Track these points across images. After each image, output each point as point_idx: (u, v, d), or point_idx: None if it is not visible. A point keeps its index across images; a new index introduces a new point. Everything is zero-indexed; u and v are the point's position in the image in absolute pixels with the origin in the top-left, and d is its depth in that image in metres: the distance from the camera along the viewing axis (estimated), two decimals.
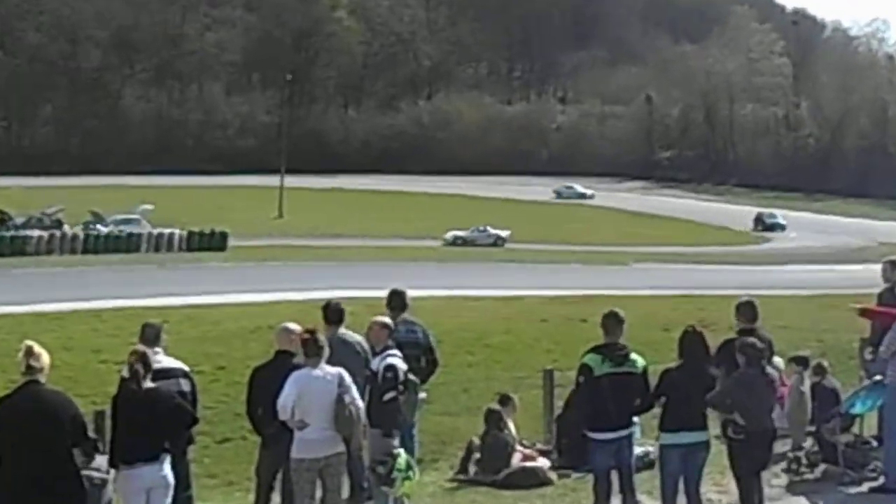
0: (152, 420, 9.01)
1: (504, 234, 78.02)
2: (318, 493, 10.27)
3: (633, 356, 10.55)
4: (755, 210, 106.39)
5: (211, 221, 71.46)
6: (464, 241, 75.65)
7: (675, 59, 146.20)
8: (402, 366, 10.79)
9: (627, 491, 10.67)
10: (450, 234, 77.31)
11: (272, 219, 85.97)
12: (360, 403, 10.18)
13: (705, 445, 10.53)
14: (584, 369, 10.47)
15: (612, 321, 10.67)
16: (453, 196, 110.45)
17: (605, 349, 10.52)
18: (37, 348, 8.52)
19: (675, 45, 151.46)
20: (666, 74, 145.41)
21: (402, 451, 10.56)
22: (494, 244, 75.94)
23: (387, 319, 11.32)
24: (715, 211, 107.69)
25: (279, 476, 10.72)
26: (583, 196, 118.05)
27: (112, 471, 9.31)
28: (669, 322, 27.72)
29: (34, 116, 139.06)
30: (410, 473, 10.50)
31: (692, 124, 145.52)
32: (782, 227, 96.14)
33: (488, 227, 79.17)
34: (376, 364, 10.76)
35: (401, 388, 10.69)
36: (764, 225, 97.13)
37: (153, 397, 9.14)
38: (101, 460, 10.08)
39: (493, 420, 13.80)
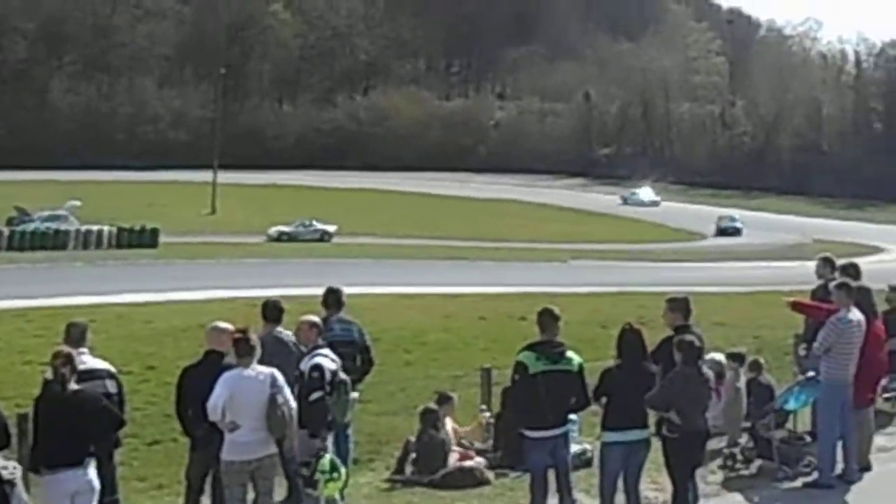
0: (77, 423, 8.87)
1: (331, 229, 76.47)
2: (250, 496, 10.13)
3: (569, 354, 10.52)
4: (694, 207, 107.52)
5: (141, 218, 70.68)
6: (289, 237, 73.72)
7: (613, 57, 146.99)
8: (329, 365, 10.63)
9: (564, 489, 10.64)
10: (273, 230, 74.97)
11: (205, 215, 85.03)
12: (293, 404, 10.07)
13: (646, 443, 10.57)
14: (519, 367, 10.47)
15: (547, 318, 10.66)
16: (389, 192, 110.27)
17: (540, 346, 10.50)
18: None
19: (614, 42, 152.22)
20: (604, 72, 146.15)
21: (327, 452, 10.38)
22: (321, 239, 74.51)
23: (315, 318, 11.17)
24: (653, 208, 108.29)
25: (210, 479, 10.55)
26: (654, 203, 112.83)
27: (19, 471, 9.07)
28: (608, 319, 27.76)
29: None
30: (335, 475, 10.33)
31: (630, 122, 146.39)
32: (738, 231, 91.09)
33: (314, 222, 77.36)
34: (304, 364, 10.60)
35: (328, 388, 10.52)
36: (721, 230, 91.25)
37: (78, 400, 8.99)
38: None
39: (429, 419, 13.69)
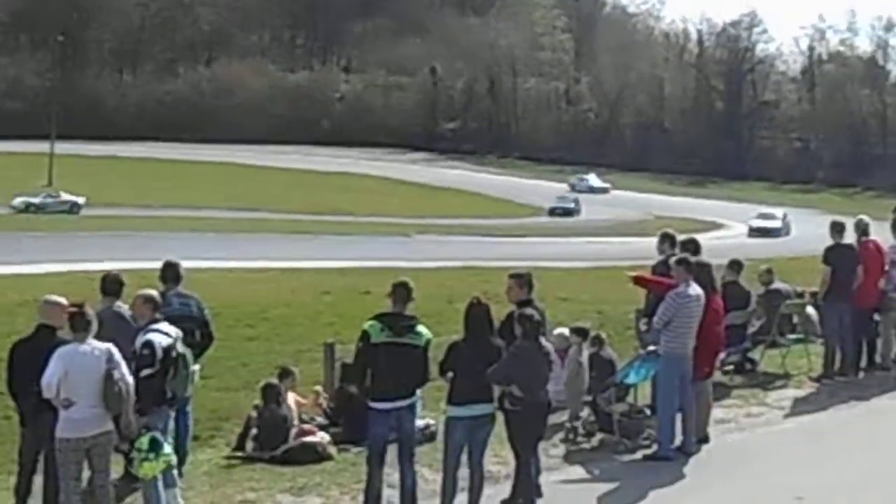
0: None
1: (80, 200, 74.69)
2: (86, 474, 9.91)
3: (420, 329, 10.53)
4: (540, 182, 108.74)
5: None
6: (36, 208, 72.12)
7: (460, 32, 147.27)
8: (162, 341, 10.35)
9: (406, 461, 10.59)
10: (18, 201, 72.75)
11: (41, 186, 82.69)
12: (130, 380, 9.86)
13: (491, 418, 10.58)
14: (363, 336, 10.50)
15: (400, 291, 10.66)
16: (231, 165, 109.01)
17: (388, 318, 10.52)
18: None
19: (461, 17, 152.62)
20: (451, 47, 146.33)
21: (149, 431, 10.11)
22: (70, 211, 72.87)
23: (151, 293, 10.87)
24: (498, 183, 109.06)
25: (43, 458, 10.22)
26: (603, 190, 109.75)
27: None
28: (454, 294, 27.78)
29: None
30: (151, 455, 10.04)
31: (476, 97, 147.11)
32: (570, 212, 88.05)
33: (62, 193, 75.84)
34: (137, 340, 10.34)
35: (158, 365, 10.25)
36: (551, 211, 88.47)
37: None
38: None
39: (271, 394, 13.54)
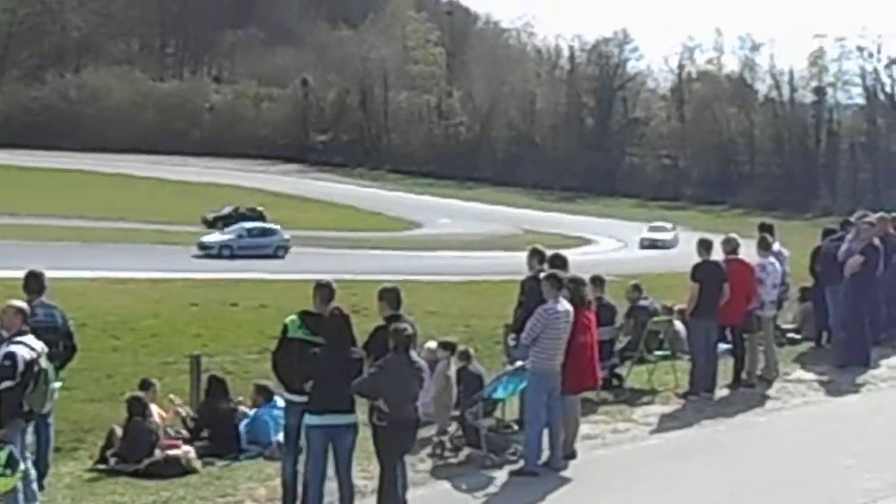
0: None
1: None
2: None
3: None
4: (411, 196, 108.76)
5: None
6: None
7: (332, 44, 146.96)
8: (24, 354, 10.16)
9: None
10: None
11: None
12: None
13: (352, 428, 10.53)
14: (282, 328, 10.99)
15: (323, 292, 11.05)
16: (98, 174, 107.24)
17: (309, 317, 10.88)
18: None
19: (333, 29, 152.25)
20: (323, 58, 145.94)
21: (8, 446, 9.88)
22: None
23: (22, 303, 10.68)
24: (369, 196, 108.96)
25: None
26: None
27: None
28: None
29: None
30: (8, 471, 9.81)
31: (348, 109, 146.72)
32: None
33: None
34: (0, 350, 10.10)
35: (19, 377, 10.05)
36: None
37: None
38: None
39: (137, 407, 13.38)
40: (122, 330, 29.76)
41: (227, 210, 77.20)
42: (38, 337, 10.55)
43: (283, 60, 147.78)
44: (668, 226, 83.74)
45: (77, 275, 36.96)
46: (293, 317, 10.83)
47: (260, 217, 75.77)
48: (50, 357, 10.68)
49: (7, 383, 9.94)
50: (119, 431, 13.30)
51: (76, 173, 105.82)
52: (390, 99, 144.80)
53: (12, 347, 10.12)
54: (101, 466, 13.12)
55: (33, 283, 11.89)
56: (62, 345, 11.72)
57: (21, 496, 10.04)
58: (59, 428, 12.59)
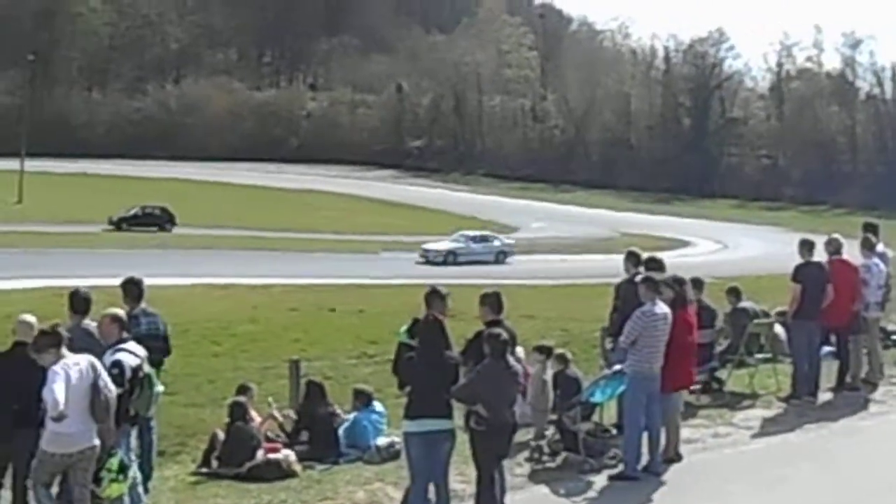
0: None
1: None
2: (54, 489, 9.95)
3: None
4: (506, 200, 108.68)
5: None
6: None
7: (426, 49, 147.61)
8: (130, 361, 10.37)
9: None
10: None
11: (11, 204, 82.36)
12: (114, 388, 9.89)
13: (450, 434, 10.47)
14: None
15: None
16: (199, 182, 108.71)
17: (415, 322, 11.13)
18: None
19: (427, 35, 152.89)
20: (417, 64, 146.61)
21: (119, 452, 10.10)
22: None
23: (118, 312, 10.82)
24: (463, 201, 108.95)
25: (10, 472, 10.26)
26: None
27: None
28: (419, 311, 27.81)
29: None
30: (121, 476, 10.04)
31: (442, 114, 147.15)
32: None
33: None
34: (106, 359, 10.29)
35: (127, 384, 10.25)
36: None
37: None
38: None
39: (238, 411, 13.52)
40: (222, 335, 30.04)
41: (134, 210, 76.56)
42: (141, 344, 10.73)
43: (378, 67, 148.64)
44: None
45: (176, 281, 37.45)
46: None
47: (170, 217, 75.97)
48: (152, 362, 10.87)
49: (117, 391, 10.10)
50: (221, 435, 13.44)
51: (175, 182, 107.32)
52: (484, 103, 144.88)
53: (118, 356, 10.31)
54: (204, 470, 13.27)
55: (133, 290, 11.99)
56: (160, 347, 11.87)
57: (127, 499, 10.23)
58: (162, 432, 12.74)
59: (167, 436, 14.32)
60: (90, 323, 11.19)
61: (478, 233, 68.28)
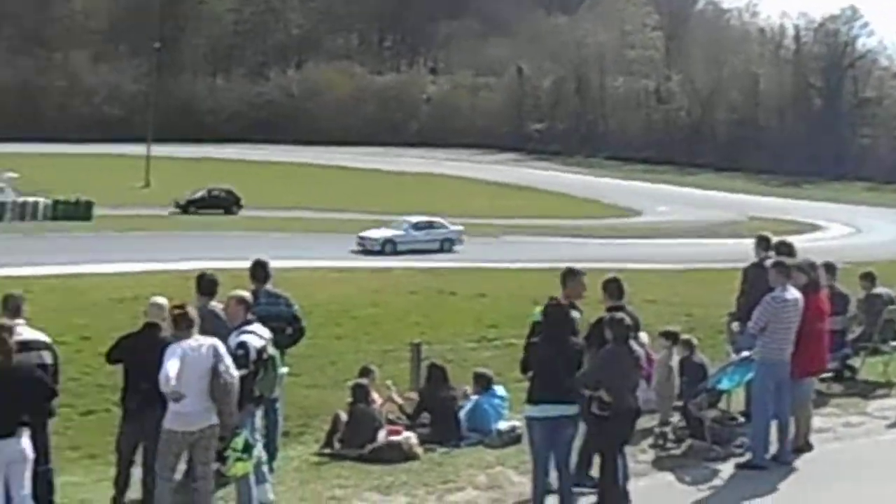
0: (11, 394, 8.92)
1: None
2: (182, 467, 10.22)
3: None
4: (627, 183, 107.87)
5: (76, 190, 69.88)
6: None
7: (547, 31, 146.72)
8: (255, 343, 10.49)
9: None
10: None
11: (139, 188, 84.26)
12: (235, 373, 10.01)
13: (573, 420, 10.39)
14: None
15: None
16: (320, 167, 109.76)
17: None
18: None
19: (548, 17, 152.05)
20: (538, 46, 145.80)
21: (244, 431, 10.22)
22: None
23: (244, 294, 10.97)
24: (585, 184, 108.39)
25: (141, 450, 10.50)
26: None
27: None
28: (539, 295, 27.65)
29: None
30: (245, 455, 10.17)
31: (564, 96, 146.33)
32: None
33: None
34: (231, 340, 10.44)
35: (252, 366, 10.36)
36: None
37: (13, 371, 9.06)
38: None
39: (360, 393, 13.55)
40: (343, 318, 30.29)
41: (200, 193, 76.75)
42: (263, 324, 10.83)
43: (498, 50, 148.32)
44: None
45: (299, 264, 37.80)
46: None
47: (236, 200, 76.13)
48: (276, 344, 10.96)
49: (241, 371, 10.22)
50: (344, 417, 13.49)
51: (296, 166, 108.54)
52: (607, 85, 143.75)
53: (243, 337, 10.44)
54: (327, 451, 13.32)
55: (259, 271, 12.18)
56: (290, 328, 12.04)
57: (252, 478, 10.37)
58: (285, 413, 12.87)
59: (290, 416, 14.47)
60: (216, 305, 11.38)
61: (421, 218, 61.40)
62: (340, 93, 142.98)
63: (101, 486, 11.37)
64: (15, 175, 73.12)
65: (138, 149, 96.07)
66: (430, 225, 59.67)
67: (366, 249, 54.30)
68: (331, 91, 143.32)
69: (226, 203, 76.24)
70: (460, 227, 59.98)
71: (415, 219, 60.02)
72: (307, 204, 76.37)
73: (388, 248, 55.27)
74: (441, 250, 56.21)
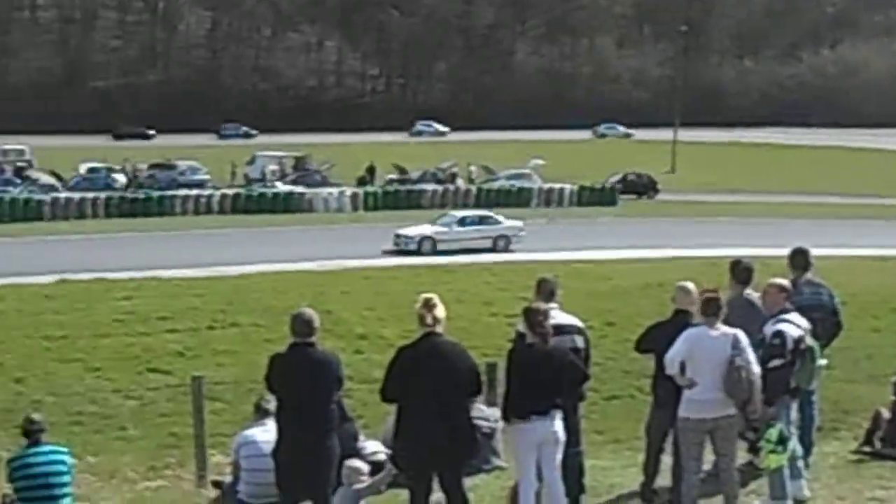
0: (548, 376, 9.20)
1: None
2: (712, 458, 10.14)
3: None
4: None
5: (602, 176, 71.54)
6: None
7: None
8: (792, 332, 10.27)
9: None
10: None
11: (664, 173, 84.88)
12: (756, 368, 9.84)
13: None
14: None
15: None
16: (857, 150, 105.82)
17: None
18: (435, 300, 8.85)
19: None
20: None
21: (779, 423, 10.06)
22: None
23: (784, 282, 10.78)
24: None
25: (671, 438, 10.55)
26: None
27: (501, 423, 9.39)
28: None
29: (429, 74, 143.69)
30: (779, 448, 9.98)
31: None
32: None
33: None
34: (767, 328, 10.31)
35: (789, 355, 10.18)
36: None
37: (550, 354, 9.32)
38: (489, 412, 10.39)
39: None
40: (881, 309, 29.15)
41: (615, 178, 72.74)
42: (803, 314, 10.60)
43: None
44: None
45: (836, 252, 36.53)
46: None
47: (652, 184, 73.72)
48: (815, 335, 10.72)
49: (776, 361, 10.11)
50: (886, 414, 13.01)
51: (831, 150, 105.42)
52: None
53: (780, 326, 10.26)
54: (866, 449, 12.91)
55: (799, 259, 11.88)
56: (828, 322, 11.65)
57: (787, 472, 10.22)
58: (821, 407, 12.55)
59: (824, 411, 14.07)
60: (751, 293, 11.24)
61: (469, 212, 52.75)
62: (878, 72, 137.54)
63: (629, 471, 11.57)
64: (542, 162, 76.07)
65: (664, 134, 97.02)
66: (481, 220, 50.57)
67: (401, 249, 46.99)
68: (868, 71, 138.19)
69: (641, 188, 74.54)
70: (518, 223, 50.23)
71: (461, 213, 52.46)
72: (834, 189, 73.98)
73: (425, 246, 47.21)
74: (494, 249, 47.61)
